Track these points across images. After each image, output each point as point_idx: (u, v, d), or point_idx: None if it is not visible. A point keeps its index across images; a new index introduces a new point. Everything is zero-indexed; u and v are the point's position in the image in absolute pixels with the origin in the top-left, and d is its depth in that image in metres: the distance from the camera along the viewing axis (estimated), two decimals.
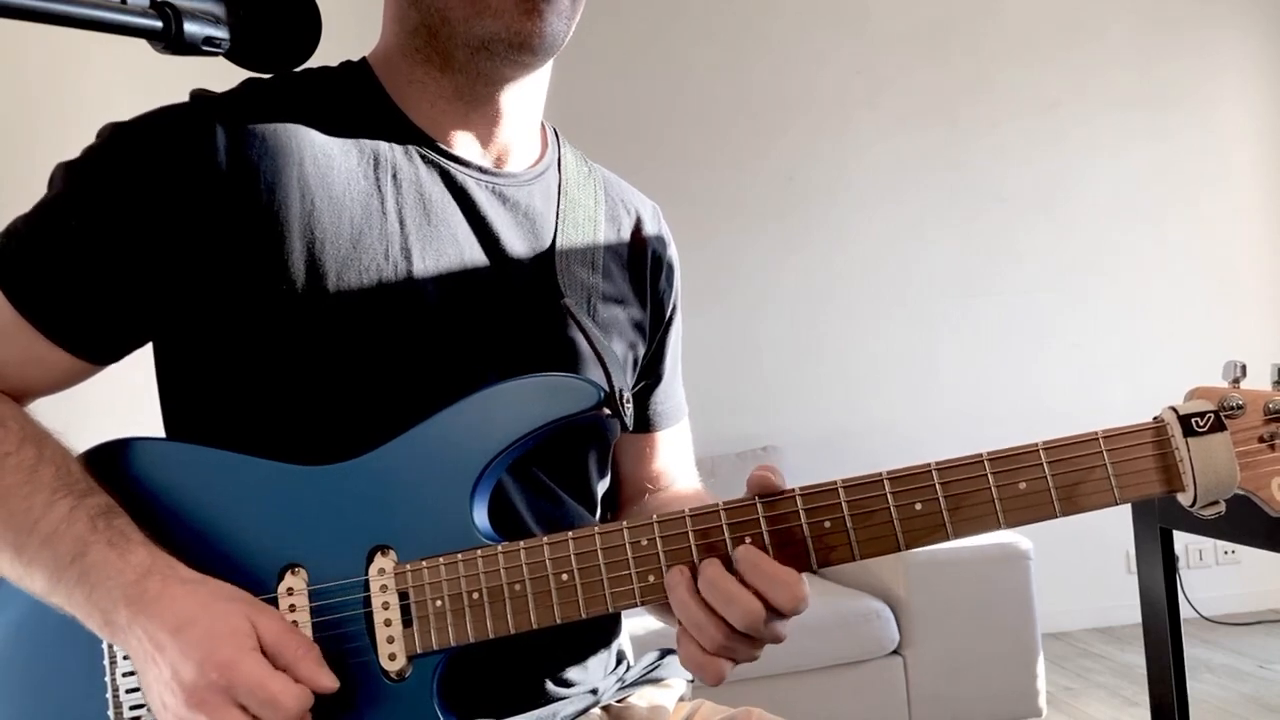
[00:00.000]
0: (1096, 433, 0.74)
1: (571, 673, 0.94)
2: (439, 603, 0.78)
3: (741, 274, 3.81)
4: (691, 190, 3.71)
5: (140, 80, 1.65)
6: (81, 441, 0.85)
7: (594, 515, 1.01)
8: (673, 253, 1.11)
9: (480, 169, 0.94)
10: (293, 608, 0.79)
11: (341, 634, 0.79)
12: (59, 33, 0.63)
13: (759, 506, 0.76)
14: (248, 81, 0.89)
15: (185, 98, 0.87)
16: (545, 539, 0.78)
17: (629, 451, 1.10)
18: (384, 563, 0.79)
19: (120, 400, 1.35)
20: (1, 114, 2.79)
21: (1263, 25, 4.07)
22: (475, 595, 0.78)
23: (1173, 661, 1.98)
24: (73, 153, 0.85)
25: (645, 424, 1.10)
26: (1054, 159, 3.95)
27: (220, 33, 0.62)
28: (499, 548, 0.79)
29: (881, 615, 2.76)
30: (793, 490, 0.75)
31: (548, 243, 0.97)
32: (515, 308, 0.93)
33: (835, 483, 0.75)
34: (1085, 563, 3.73)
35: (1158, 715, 2.03)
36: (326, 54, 0.80)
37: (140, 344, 0.89)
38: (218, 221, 0.82)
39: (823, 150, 3.88)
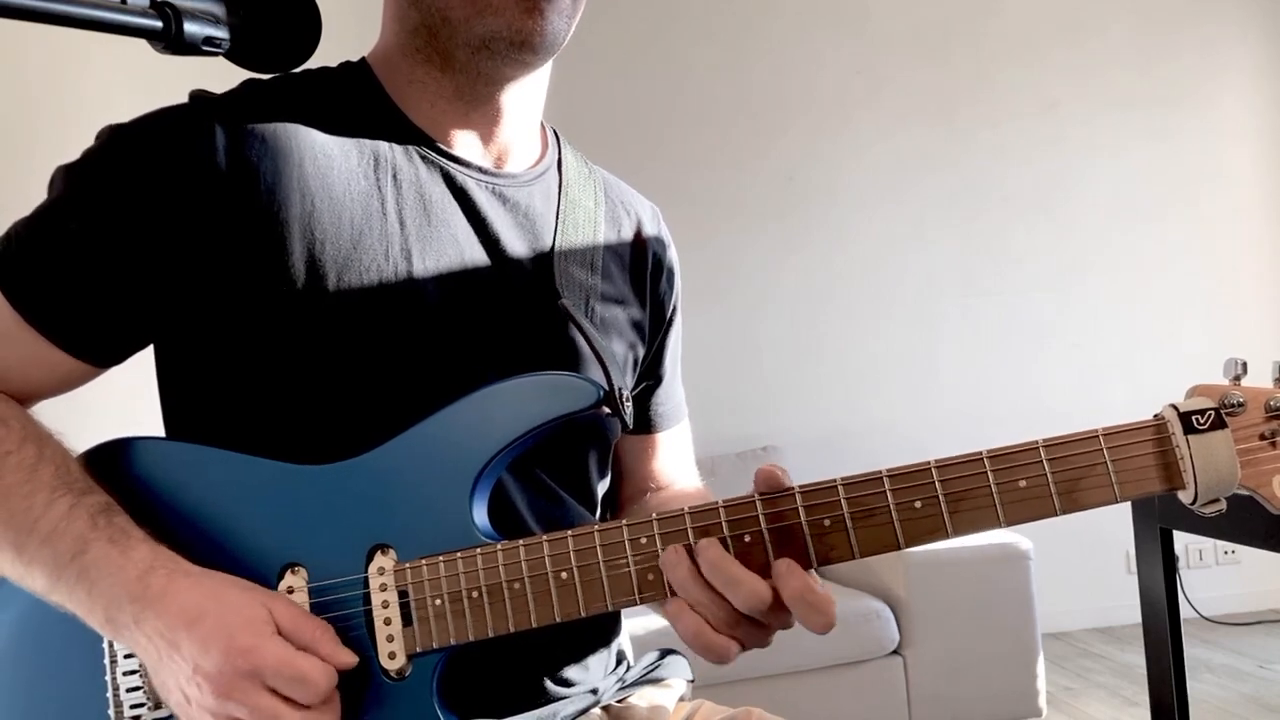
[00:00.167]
0: (1097, 430, 0.74)
1: (571, 672, 0.94)
2: (439, 601, 0.78)
3: (741, 274, 3.81)
4: (691, 190, 3.71)
5: (140, 80, 1.65)
6: (81, 441, 0.85)
7: (594, 515, 1.01)
8: (673, 255, 1.11)
9: (480, 169, 0.94)
10: None
11: (341, 633, 0.78)
12: (59, 33, 0.63)
13: (758, 504, 0.75)
14: (247, 82, 0.89)
15: (185, 98, 0.87)
16: (545, 537, 0.78)
17: (629, 452, 1.10)
18: (384, 562, 0.79)
19: (120, 400, 1.35)
20: (1, 114, 2.78)
21: (1263, 24, 4.07)
22: (475, 594, 0.78)
23: (1173, 661, 1.98)
24: (73, 153, 0.85)
25: (646, 425, 1.10)
26: (1054, 159, 3.96)
27: (220, 33, 0.62)
28: (498, 546, 0.78)
29: (881, 615, 2.76)
30: (792, 488, 0.75)
31: (547, 243, 0.97)
32: (515, 308, 0.93)
33: (835, 481, 0.75)
34: (1085, 563, 3.73)
35: (1158, 715, 2.03)
36: (326, 54, 0.80)
37: (142, 345, 0.89)
38: (218, 222, 0.82)
39: (822, 150, 3.88)
